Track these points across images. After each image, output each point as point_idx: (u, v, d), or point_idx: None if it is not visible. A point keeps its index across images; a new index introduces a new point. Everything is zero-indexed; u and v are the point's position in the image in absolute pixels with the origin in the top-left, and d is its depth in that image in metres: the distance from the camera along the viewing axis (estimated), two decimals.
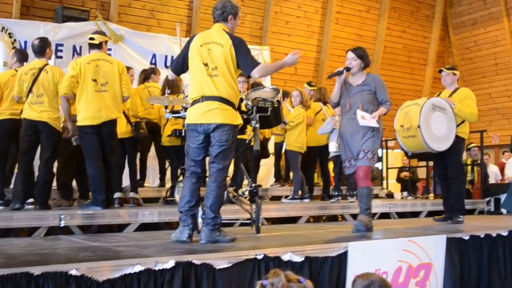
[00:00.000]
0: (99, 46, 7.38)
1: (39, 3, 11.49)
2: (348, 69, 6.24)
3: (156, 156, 9.90)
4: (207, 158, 5.44)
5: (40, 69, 7.14)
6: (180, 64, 5.53)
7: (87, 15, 11.52)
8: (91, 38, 7.47)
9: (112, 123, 7.28)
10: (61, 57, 10.58)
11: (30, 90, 7.12)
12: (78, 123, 7.15)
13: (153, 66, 11.00)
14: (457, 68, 7.89)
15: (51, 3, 11.53)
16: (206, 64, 5.27)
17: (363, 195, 6.21)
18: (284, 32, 14.80)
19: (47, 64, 7.27)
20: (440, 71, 7.86)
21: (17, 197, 6.95)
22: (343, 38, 15.64)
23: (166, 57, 12.04)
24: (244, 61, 5.38)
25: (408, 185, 13.23)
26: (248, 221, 6.79)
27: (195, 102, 5.29)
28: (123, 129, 7.92)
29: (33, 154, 7.25)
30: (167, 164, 9.62)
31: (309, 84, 10.82)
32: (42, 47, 7.33)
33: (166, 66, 11.82)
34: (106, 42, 7.60)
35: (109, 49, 10.51)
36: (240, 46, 5.37)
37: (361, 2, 15.97)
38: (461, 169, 8.34)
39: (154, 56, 11.93)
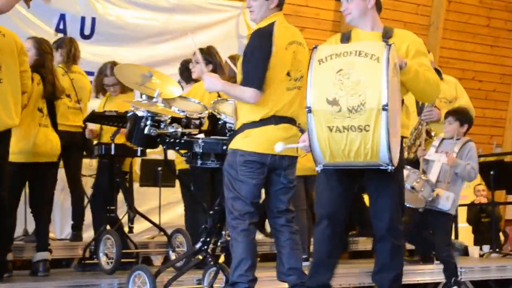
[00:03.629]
0: None
1: None
2: None
3: (66, 189, 10.01)
4: None
5: None
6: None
7: None
8: None
9: (7, 134, 7.28)
10: None
11: None
12: None
13: (61, 35, 11.06)
14: None
15: None
16: (288, 74, 6.06)
17: None
18: None
19: None
20: None
21: None
22: None
23: (83, 19, 12.23)
24: None
25: (492, 232, 13.12)
26: None
27: (255, 124, 6.01)
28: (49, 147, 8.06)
29: None
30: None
31: None
32: None
33: (83, 35, 12.08)
34: None
35: None
36: None
37: None
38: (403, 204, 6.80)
39: (62, 17, 12.04)
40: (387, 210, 6.00)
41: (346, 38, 6.09)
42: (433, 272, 9.38)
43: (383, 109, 5.22)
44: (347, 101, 5.25)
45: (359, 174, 5.92)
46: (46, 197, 8.34)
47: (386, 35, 6.03)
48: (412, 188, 8.30)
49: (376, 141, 5.29)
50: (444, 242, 8.57)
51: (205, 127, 7.28)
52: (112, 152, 8.26)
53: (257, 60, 5.97)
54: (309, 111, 5.30)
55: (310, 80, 5.38)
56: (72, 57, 9.73)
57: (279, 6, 6.22)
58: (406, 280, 8.93)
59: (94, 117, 8.58)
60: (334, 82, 5.31)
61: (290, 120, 6.06)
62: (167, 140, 6.94)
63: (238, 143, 6.04)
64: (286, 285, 6.22)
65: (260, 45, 6.00)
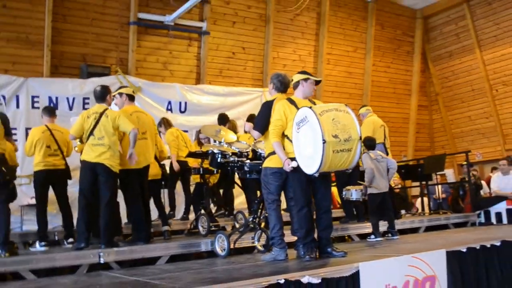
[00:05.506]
0: (132, 98, 7.60)
1: (66, 62, 11.50)
2: None
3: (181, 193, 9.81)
4: None
5: (101, 114, 6.87)
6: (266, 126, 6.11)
7: (108, 70, 11.58)
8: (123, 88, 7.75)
9: (148, 167, 7.45)
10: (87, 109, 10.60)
11: (91, 133, 6.82)
12: (121, 167, 7.05)
13: (169, 112, 11.30)
14: None
15: (76, 62, 11.55)
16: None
17: None
18: None
19: (107, 109, 7.00)
20: (301, 82, 6.14)
21: (82, 237, 6.67)
22: (334, 76, 15.65)
23: (180, 103, 12.10)
24: None
25: (406, 203, 13.14)
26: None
27: (274, 152, 5.89)
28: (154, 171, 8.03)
29: (92, 195, 6.88)
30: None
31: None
32: (103, 93, 7.10)
33: (180, 111, 12.03)
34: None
35: None
36: None
37: (348, 43, 15.98)
38: None
39: (169, 103, 11.94)
40: (330, 194, 6.22)
41: (293, 103, 5.94)
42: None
43: (359, 139, 5.56)
44: (343, 135, 5.42)
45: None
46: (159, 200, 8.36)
47: (311, 100, 6.10)
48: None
49: (352, 157, 5.54)
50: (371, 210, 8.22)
51: (250, 156, 7.32)
52: (201, 172, 8.12)
53: (263, 117, 6.18)
54: (324, 142, 5.30)
55: (320, 125, 5.36)
56: (167, 125, 9.52)
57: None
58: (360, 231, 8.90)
59: (190, 154, 8.39)
60: (333, 125, 5.41)
61: None
62: (230, 165, 7.20)
63: (267, 163, 6.05)
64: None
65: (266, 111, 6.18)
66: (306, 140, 5.57)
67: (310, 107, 5.58)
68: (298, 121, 5.66)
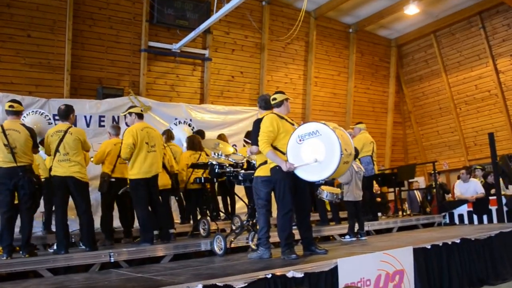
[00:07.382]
0: (141, 116, 7.31)
1: (84, 85, 11.49)
2: None
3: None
4: None
5: (65, 132, 6.60)
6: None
7: (121, 92, 11.52)
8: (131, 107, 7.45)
9: (157, 176, 7.19)
10: (103, 126, 10.50)
11: (57, 150, 6.53)
12: (131, 177, 6.94)
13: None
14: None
15: (93, 84, 11.54)
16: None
17: None
18: None
19: (70, 127, 6.71)
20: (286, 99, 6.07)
21: (62, 245, 6.40)
22: (321, 96, 15.66)
23: (185, 120, 11.94)
24: None
25: (382, 207, 13.02)
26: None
27: (264, 163, 5.81)
28: (165, 182, 7.85)
29: (66, 206, 6.66)
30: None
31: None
32: (66, 112, 6.79)
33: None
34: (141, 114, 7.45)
35: None
36: None
37: (333, 68, 16.01)
38: None
39: (176, 119, 11.73)
40: (310, 199, 6.28)
41: (283, 118, 5.86)
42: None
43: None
44: (348, 150, 5.35)
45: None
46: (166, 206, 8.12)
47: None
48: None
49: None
50: (349, 214, 8.13)
51: (245, 166, 7.15)
52: (202, 181, 8.05)
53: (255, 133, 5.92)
54: (342, 154, 5.16)
55: (338, 139, 5.22)
56: (168, 138, 9.14)
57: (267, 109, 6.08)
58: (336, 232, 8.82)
59: (193, 165, 8.24)
60: (343, 141, 5.28)
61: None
62: (227, 174, 7.01)
63: (257, 172, 5.89)
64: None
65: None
66: (312, 151, 5.39)
67: (324, 123, 5.44)
68: (303, 134, 5.48)
